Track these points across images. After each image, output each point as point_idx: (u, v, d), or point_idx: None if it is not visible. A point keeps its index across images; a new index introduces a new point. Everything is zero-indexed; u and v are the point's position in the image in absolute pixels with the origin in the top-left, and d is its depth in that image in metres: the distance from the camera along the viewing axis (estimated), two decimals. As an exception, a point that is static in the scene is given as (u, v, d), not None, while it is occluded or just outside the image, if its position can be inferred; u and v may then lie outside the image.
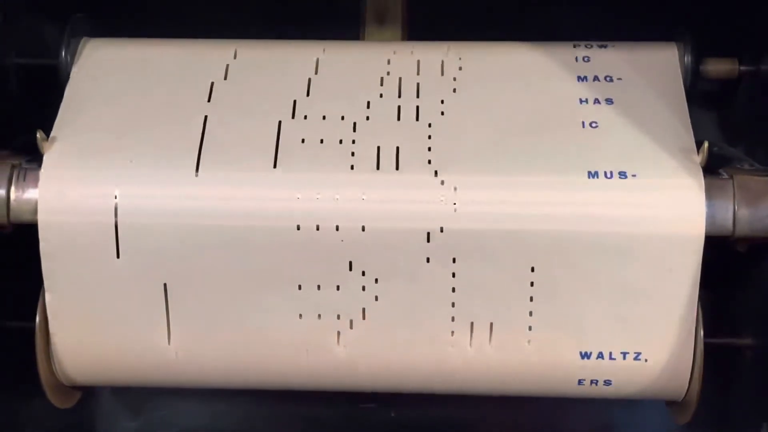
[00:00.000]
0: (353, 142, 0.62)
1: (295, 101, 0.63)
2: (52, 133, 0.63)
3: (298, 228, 0.61)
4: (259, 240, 0.61)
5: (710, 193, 0.60)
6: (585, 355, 0.62)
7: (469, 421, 0.77)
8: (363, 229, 0.60)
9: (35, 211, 0.61)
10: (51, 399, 0.66)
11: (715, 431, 0.67)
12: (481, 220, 0.60)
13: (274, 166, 0.61)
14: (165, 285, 0.62)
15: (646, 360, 0.62)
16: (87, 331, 0.63)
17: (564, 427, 0.78)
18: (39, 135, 0.62)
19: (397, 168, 0.61)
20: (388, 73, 0.65)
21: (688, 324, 0.61)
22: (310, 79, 0.65)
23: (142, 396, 0.78)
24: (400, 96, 0.64)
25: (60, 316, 0.63)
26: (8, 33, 0.66)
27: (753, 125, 0.67)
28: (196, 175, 0.61)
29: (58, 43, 0.67)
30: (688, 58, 0.66)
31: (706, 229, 0.59)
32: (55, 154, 0.62)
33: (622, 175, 0.60)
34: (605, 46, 0.66)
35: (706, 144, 0.60)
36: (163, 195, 0.61)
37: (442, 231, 0.60)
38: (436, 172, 0.61)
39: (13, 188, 0.62)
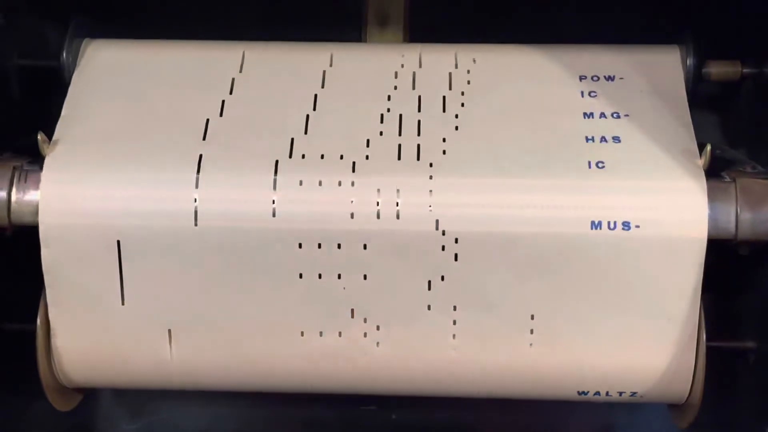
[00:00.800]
0: (352, 184, 0.61)
1: (292, 139, 0.62)
2: (54, 135, 0.63)
3: (301, 276, 0.61)
4: (261, 288, 0.61)
5: (713, 196, 0.60)
6: (582, 393, 0.63)
7: (470, 423, 0.77)
8: (365, 277, 0.61)
9: (36, 213, 0.61)
10: (52, 401, 0.66)
11: (717, 435, 0.67)
12: (482, 269, 0.60)
13: (273, 215, 0.61)
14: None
15: (641, 396, 0.63)
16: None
17: (565, 430, 0.78)
18: (40, 137, 0.62)
19: (397, 217, 0.60)
20: (389, 110, 0.63)
21: (690, 327, 0.61)
22: (308, 116, 0.63)
23: (142, 398, 0.78)
24: (400, 134, 0.62)
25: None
26: (10, 34, 0.66)
27: (755, 128, 0.67)
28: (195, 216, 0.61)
29: (60, 45, 0.67)
30: (690, 61, 0.66)
31: (708, 232, 0.59)
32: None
33: (626, 225, 0.59)
34: (612, 79, 0.65)
35: (708, 147, 0.60)
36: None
37: (443, 279, 0.61)
38: (437, 222, 0.60)
39: (14, 190, 0.62)
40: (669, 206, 0.59)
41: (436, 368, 0.63)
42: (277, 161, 0.61)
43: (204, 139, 0.62)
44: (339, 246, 0.60)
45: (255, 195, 0.60)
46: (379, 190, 0.60)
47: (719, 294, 0.64)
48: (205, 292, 0.61)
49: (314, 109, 0.63)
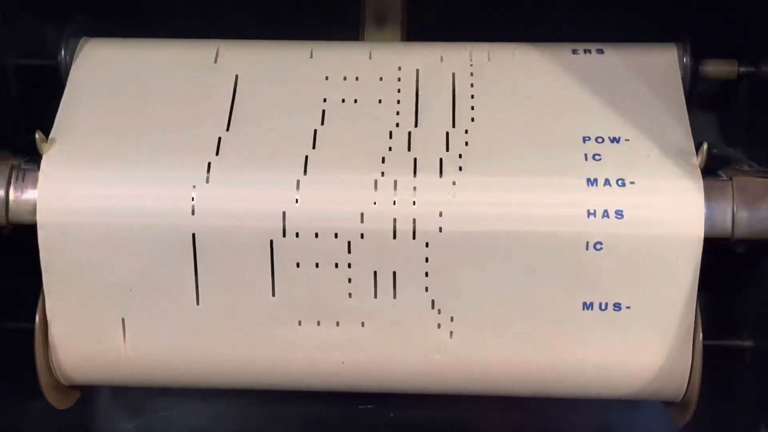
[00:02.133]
0: (349, 266, 0.60)
1: (284, 213, 0.60)
2: (51, 134, 0.63)
3: (300, 353, 0.62)
4: (261, 363, 0.63)
5: (709, 194, 0.60)
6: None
7: (468, 421, 0.77)
8: (363, 354, 0.62)
9: (34, 212, 0.61)
10: (50, 399, 0.66)
11: (713, 433, 0.67)
12: (475, 351, 0.62)
13: (273, 294, 0.61)
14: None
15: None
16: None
17: (564, 428, 0.78)
18: (38, 135, 0.62)
19: (394, 297, 0.61)
20: (383, 174, 0.60)
21: (687, 326, 0.61)
22: (298, 181, 0.60)
23: (140, 397, 0.78)
24: (395, 203, 0.60)
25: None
26: (7, 33, 0.66)
27: (752, 126, 0.67)
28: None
29: (57, 44, 0.67)
30: (687, 60, 0.66)
31: (705, 231, 0.59)
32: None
33: (617, 307, 0.60)
34: (617, 140, 0.61)
35: (705, 145, 0.60)
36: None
37: (437, 357, 0.62)
38: (433, 302, 0.61)
39: (12, 189, 0.62)
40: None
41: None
42: (272, 241, 0.60)
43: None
44: (337, 323, 0.61)
45: (253, 280, 0.61)
46: (375, 273, 0.61)
47: (716, 292, 0.64)
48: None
49: (305, 173, 0.61)
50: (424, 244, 0.60)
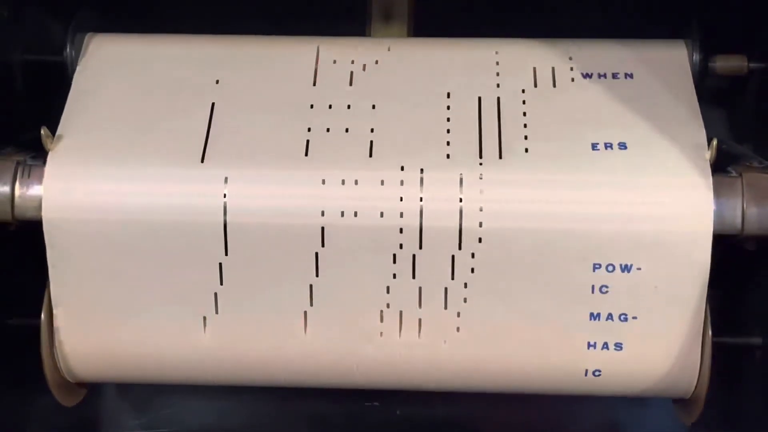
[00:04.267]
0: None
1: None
2: (58, 130, 0.63)
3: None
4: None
5: (719, 191, 0.59)
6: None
7: (474, 419, 0.77)
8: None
9: (40, 208, 0.61)
10: (56, 396, 0.66)
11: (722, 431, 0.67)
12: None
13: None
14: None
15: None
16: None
17: (569, 427, 0.78)
18: (44, 131, 0.62)
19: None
20: (388, 306, 0.61)
21: (696, 323, 0.61)
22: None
23: (146, 394, 0.78)
24: (401, 331, 0.62)
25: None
26: (13, 29, 0.66)
27: (762, 122, 0.67)
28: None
29: (63, 39, 0.67)
30: (697, 56, 0.65)
31: (714, 228, 0.59)
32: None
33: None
34: (628, 269, 0.60)
35: (714, 141, 0.60)
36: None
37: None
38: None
39: (17, 185, 0.62)
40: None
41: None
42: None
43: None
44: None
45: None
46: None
47: (725, 289, 0.64)
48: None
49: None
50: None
